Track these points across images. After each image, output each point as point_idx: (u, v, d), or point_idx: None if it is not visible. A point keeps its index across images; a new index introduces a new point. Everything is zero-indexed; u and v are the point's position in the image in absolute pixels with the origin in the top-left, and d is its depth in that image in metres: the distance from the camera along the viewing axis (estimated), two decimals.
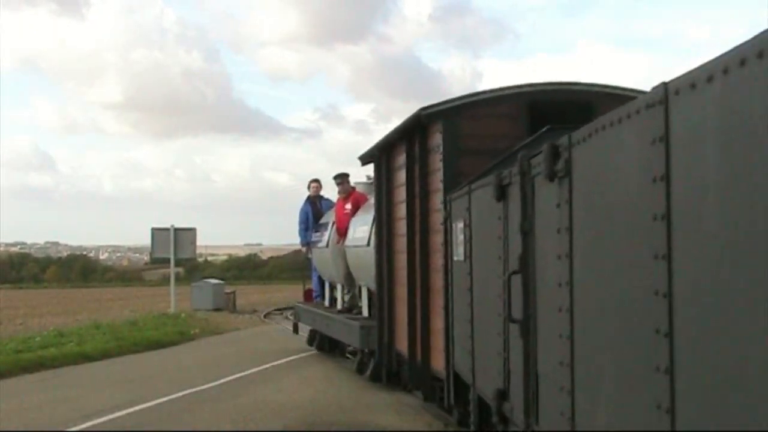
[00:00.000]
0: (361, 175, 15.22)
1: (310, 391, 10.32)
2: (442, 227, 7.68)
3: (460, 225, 6.68)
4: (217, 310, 26.88)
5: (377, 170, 10.37)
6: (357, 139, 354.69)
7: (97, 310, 31.14)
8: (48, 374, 12.70)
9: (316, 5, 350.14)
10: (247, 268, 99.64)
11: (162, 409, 9.21)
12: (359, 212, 11.94)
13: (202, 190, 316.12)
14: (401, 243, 9.20)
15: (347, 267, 12.17)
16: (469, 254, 6.38)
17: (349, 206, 12.32)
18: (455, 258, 6.99)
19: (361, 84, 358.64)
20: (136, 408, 9.24)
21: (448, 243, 7.31)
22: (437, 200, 7.94)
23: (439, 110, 7.96)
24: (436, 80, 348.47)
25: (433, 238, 8.22)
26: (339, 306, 13.04)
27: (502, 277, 5.08)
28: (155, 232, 24.58)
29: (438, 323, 7.94)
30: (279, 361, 13.44)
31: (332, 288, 13.95)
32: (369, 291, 11.04)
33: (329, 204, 14.67)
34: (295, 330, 15.61)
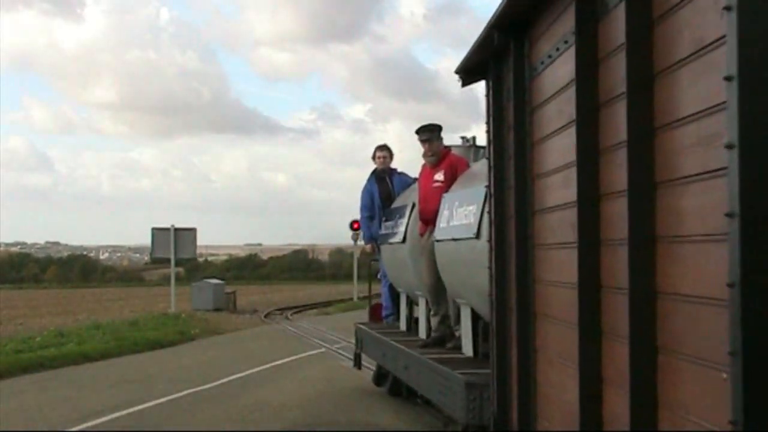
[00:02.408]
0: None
1: (310, 391, 10.31)
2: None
3: None
4: (217, 310, 26.91)
5: (492, 84, 5.18)
6: (355, 139, 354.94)
7: (97, 310, 31.15)
8: (48, 374, 12.69)
9: (309, 5, 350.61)
10: (248, 268, 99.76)
11: (162, 409, 9.20)
12: (457, 185, 7.30)
13: (201, 190, 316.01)
14: (560, 224, 3.90)
15: (436, 273, 7.33)
16: None
17: (440, 176, 7.59)
18: None
19: (357, 84, 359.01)
20: (136, 408, 9.24)
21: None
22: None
23: None
24: (433, 80, 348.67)
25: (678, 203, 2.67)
26: (422, 332, 8.35)
27: None
28: (155, 232, 24.60)
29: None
30: (279, 362, 13.43)
31: (411, 303, 9.29)
32: (474, 314, 6.60)
33: (405, 181, 10.18)
34: (357, 363, 10.40)
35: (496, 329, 5.07)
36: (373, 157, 10.44)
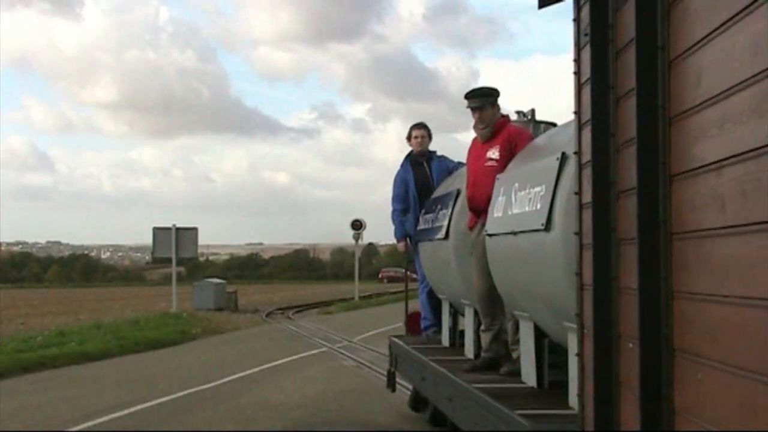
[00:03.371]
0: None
1: (310, 391, 10.31)
2: None
3: None
4: (218, 309, 26.93)
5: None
6: (355, 138, 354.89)
7: (99, 309, 31.16)
8: (49, 374, 12.69)
9: (308, 4, 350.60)
10: (249, 268, 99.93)
11: (162, 409, 9.20)
12: (517, 161, 5.80)
13: (202, 189, 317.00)
14: (733, 192, 2.12)
15: (488, 277, 5.79)
16: None
17: (494, 154, 6.03)
18: None
19: (357, 83, 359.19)
20: (137, 408, 9.23)
21: None
22: None
23: None
24: (432, 79, 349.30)
25: None
26: (469, 350, 6.72)
27: None
28: (157, 231, 24.64)
29: None
30: (280, 361, 13.43)
31: (456, 314, 7.62)
32: (538, 330, 5.12)
33: (446, 166, 8.49)
34: (390, 383, 8.60)
35: (591, 362, 3.23)
36: (408, 138, 8.63)
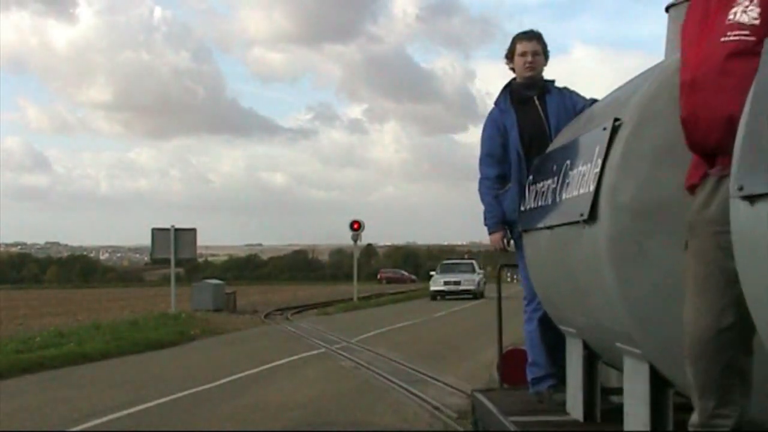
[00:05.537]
0: None
1: (310, 391, 10.31)
2: None
3: None
4: (217, 310, 26.90)
5: None
6: (352, 138, 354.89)
7: (98, 310, 31.14)
8: (48, 374, 12.68)
9: (302, 5, 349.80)
10: (248, 269, 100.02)
11: (162, 409, 9.20)
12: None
13: (200, 190, 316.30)
14: None
15: (729, 301, 2.45)
16: None
17: (749, 14, 2.48)
18: None
19: (353, 84, 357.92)
20: (136, 408, 9.23)
21: None
22: None
23: None
24: (428, 80, 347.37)
25: None
26: None
27: None
28: (155, 232, 24.64)
29: None
30: (279, 362, 13.43)
31: (594, 360, 4.11)
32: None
33: (571, 103, 5.05)
34: None
35: None
36: (510, 56, 5.15)
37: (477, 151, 5.22)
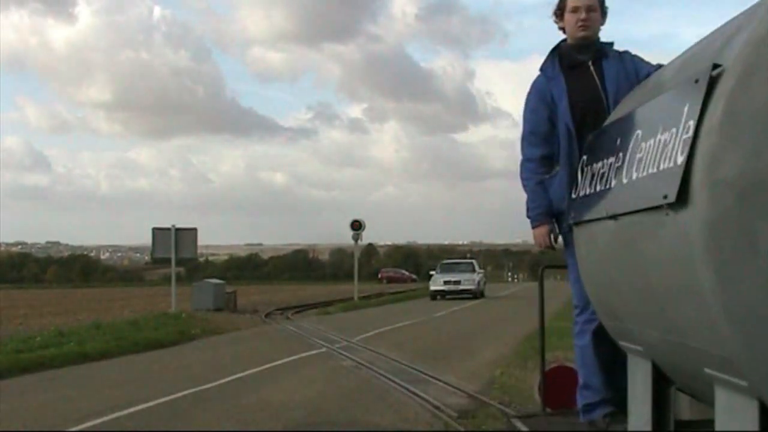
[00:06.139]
0: None
1: (310, 391, 10.30)
2: None
3: None
4: (217, 310, 26.91)
5: None
6: (352, 138, 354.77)
7: (98, 310, 31.13)
8: (48, 374, 12.68)
9: (301, 4, 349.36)
10: (248, 268, 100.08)
11: (162, 409, 9.19)
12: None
13: (200, 190, 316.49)
14: None
15: None
16: None
17: None
18: None
19: (353, 83, 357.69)
20: (136, 408, 9.22)
21: None
22: None
23: None
24: (428, 79, 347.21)
25: None
26: None
27: None
28: (156, 232, 24.67)
29: None
30: (279, 362, 13.42)
31: (663, 384, 3.26)
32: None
33: (633, 69, 4.19)
34: None
35: None
36: (560, 12, 4.37)
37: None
